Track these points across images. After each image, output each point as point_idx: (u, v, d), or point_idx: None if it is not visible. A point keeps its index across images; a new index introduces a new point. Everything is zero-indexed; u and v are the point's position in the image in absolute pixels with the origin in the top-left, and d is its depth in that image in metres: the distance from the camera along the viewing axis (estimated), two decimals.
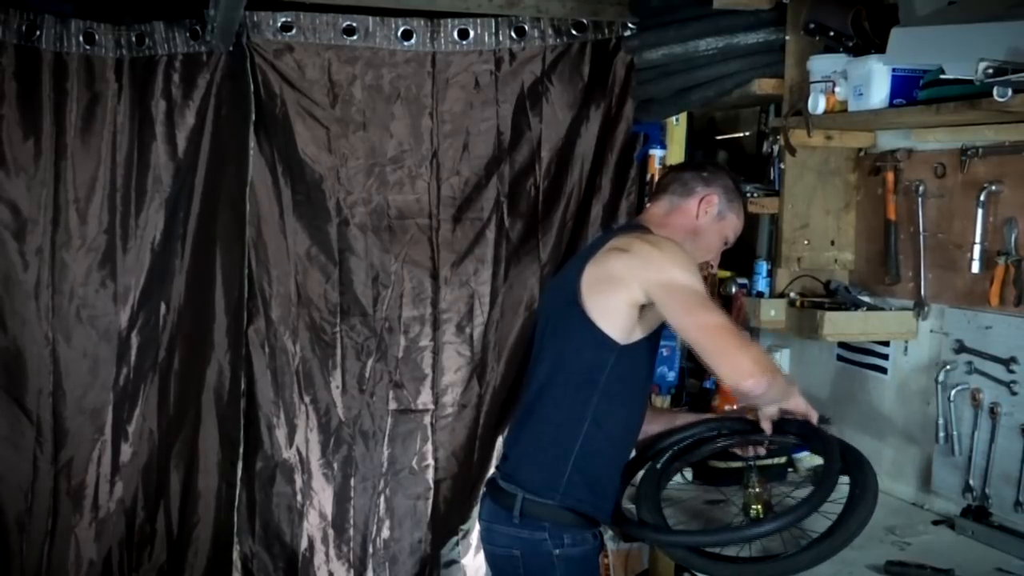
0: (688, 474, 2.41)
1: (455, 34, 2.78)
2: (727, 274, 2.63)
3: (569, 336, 1.90)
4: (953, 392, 2.17)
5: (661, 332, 1.95)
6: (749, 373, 1.72)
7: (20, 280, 2.67)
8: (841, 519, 1.74)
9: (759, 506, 2.02)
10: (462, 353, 2.89)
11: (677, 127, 2.93)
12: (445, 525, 2.90)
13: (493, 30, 2.79)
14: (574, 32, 2.82)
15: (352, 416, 2.84)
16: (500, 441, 2.86)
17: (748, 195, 2.50)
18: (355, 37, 2.74)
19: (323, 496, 2.84)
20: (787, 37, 2.44)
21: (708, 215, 2.00)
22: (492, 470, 2.05)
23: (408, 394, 2.87)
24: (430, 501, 2.89)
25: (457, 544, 2.88)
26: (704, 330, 1.76)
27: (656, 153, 2.81)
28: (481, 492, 2.11)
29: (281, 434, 2.82)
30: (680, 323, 1.80)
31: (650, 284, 1.81)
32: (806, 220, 2.46)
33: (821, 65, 2.27)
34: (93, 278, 2.73)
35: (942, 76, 1.89)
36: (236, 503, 2.78)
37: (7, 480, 2.69)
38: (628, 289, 1.83)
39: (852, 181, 2.47)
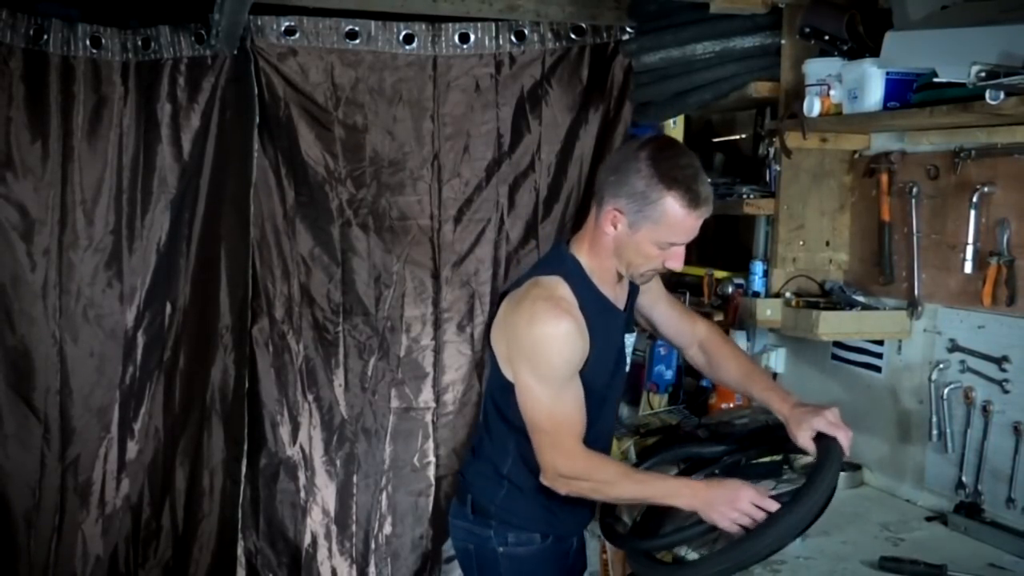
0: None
1: (456, 38, 2.81)
2: (724, 274, 2.66)
3: (491, 371, 1.93)
4: (946, 390, 2.19)
5: (598, 371, 1.90)
6: (546, 478, 1.82)
7: (28, 280, 2.69)
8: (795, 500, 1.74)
9: None
10: (463, 352, 2.91)
11: (675, 129, 2.97)
12: (446, 521, 2.91)
13: (493, 34, 2.82)
14: (573, 36, 2.84)
15: (355, 414, 2.87)
16: None
17: (744, 196, 2.54)
18: (357, 41, 2.76)
19: (326, 493, 2.87)
20: (783, 41, 2.47)
21: (618, 230, 1.82)
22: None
23: (410, 392, 2.89)
24: (431, 498, 2.91)
25: None
26: (534, 425, 1.82)
27: None
28: None
29: (285, 432, 2.84)
30: (523, 414, 1.84)
31: (511, 357, 1.84)
32: (801, 221, 2.48)
33: (816, 68, 2.30)
34: (100, 278, 2.75)
35: (935, 79, 1.91)
36: (240, 500, 2.81)
37: (15, 477, 2.70)
38: (501, 346, 1.86)
39: (847, 183, 2.50)
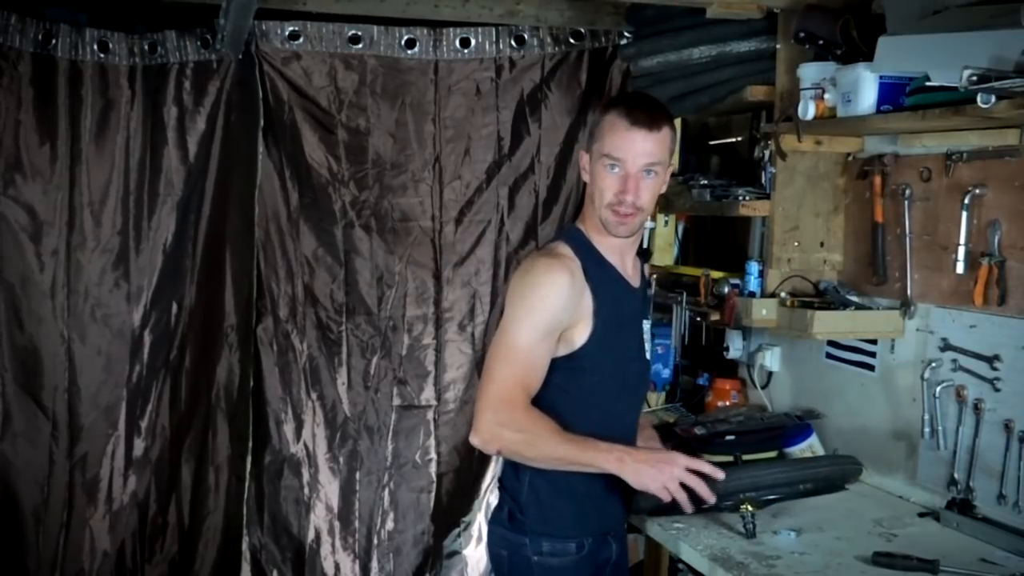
0: None
1: (457, 42, 2.84)
2: (720, 274, 2.69)
3: None
4: (938, 389, 2.21)
5: (609, 345, 1.86)
6: (478, 430, 1.76)
7: (37, 281, 2.72)
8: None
9: (748, 505, 2.02)
10: (464, 351, 2.94)
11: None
12: (447, 517, 2.95)
13: (494, 39, 2.85)
14: (572, 41, 2.88)
15: (357, 412, 2.90)
16: None
17: (740, 198, 2.57)
18: (360, 45, 2.80)
19: (329, 489, 2.90)
20: (778, 45, 2.50)
21: (589, 171, 1.91)
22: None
23: (412, 390, 2.93)
24: (433, 494, 2.95)
25: (459, 536, 2.93)
26: (487, 371, 1.80)
27: None
28: None
29: (289, 429, 2.88)
30: (488, 359, 1.83)
31: (504, 312, 1.84)
32: (796, 222, 2.50)
33: (811, 72, 2.33)
34: (107, 278, 2.78)
35: (928, 83, 1.93)
36: (245, 496, 2.84)
37: (24, 474, 2.74)
38: None
39: (841, 185, 2.52)
